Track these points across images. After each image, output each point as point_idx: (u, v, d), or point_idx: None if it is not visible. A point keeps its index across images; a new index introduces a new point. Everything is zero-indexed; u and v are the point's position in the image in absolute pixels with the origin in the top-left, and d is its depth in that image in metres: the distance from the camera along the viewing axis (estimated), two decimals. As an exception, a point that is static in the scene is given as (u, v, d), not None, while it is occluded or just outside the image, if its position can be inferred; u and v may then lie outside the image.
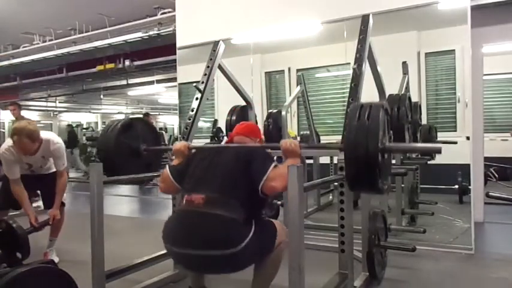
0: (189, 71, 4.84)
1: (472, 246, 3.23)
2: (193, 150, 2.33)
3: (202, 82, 3.19)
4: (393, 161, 3.70)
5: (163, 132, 17.38)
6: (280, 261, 2.00)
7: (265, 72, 5.47)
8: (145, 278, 2.55)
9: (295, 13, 3.92)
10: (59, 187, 3.14)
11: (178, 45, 4.69)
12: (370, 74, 3.10)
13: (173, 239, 1.92)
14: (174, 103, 9.58)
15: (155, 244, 3.02)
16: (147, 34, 6.59)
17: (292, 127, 5.26)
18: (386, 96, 3.27)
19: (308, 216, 4.33)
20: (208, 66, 3.29)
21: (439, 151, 1.76)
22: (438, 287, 2.67)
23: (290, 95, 4.78)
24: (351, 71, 2.64)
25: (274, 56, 5.34)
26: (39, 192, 3.61)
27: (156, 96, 14.20)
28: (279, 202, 4.05)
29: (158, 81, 9.28)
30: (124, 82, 9.60)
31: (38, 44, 8.33)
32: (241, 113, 4.06)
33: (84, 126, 16.16)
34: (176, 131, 9.03)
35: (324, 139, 5.15)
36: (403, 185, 3.90)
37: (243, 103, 4.04)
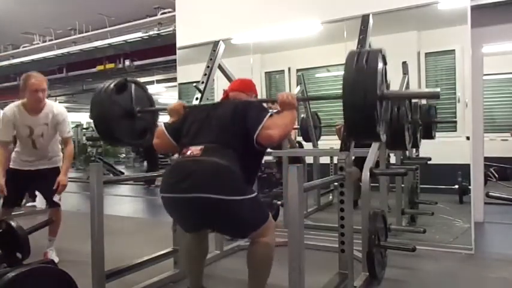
0: (189, 71, 4.84)
1: (472, 246, 3.23)
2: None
3: (202, 82, 3.19)
4: (393, 161, 3.72)
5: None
6: (270, 259, 2.00)
7: (265, 72, 5.47)
8: (145, 278, 2.54)
9: (295, 13, 3.92)
10: (66, 154, 3.17)
11: (178, 45, 4.69)
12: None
13: (169, 186, 1.90)
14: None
15: (155, 244, 3.03)
16: (147, 34, 6.60)
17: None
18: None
19: (308, 216, 4.33)
20: (208, 66, 3.29)
21: (437, 95, 1.78)
22: (438, 287, 2.67)
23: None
24: (351, 71, 2.63)
25: (274, 56, 5.34)
26: (37, 193, 3.60)
27: (156, 96, 14.20)
28: (279, 202, 4.05)
29: (158, 81, 9.27)
30: (124, 82, 9.59)
31: (38, 44, 8.35)
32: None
33: (84, 126, 16.14)
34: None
35: (324, 139, 5.15)
36: (403, 185, 3.90)
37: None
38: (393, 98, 1.97)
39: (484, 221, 4.18)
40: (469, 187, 3.71)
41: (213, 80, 3.44)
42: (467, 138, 3.52)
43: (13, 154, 3.22)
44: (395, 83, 3.69)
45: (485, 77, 4.52)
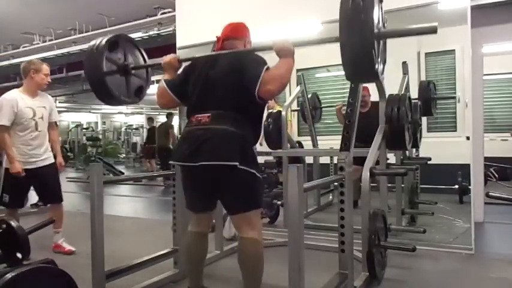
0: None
1: (472, 246, 3.23)
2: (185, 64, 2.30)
3: (203, 82, 3.18)
4: (393, 161, 3.71)
5: (171, 130, 17.41)
6: (260, 254, 2.02)
7: (266, 72, 5.45)
8: (145, 278, 2.55)
9: (295, 13, 3.92)
10: (55, 138, 3.46)
11: (178, 45, 4.69)
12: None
13: (184, 155, 1.99)
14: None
15: (155, 244, 3.03)
16: (147, 34, 6.59)
17: (292, 127, 5.26)
18: (387, 96, 3.27)
19: (308, 216, 4.33)
20: (208, 66, 3.28)
21: (434, 30, 1.77)
22: (438, 287, 2.67)
23: (290, 95, 4.78)
24: (351, 71, 2.63)
25: (274, 56, 5.32)
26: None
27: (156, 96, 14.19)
28: (279, 202, 4.05)
29: (158, 81, 9.26)
30: (124, 82, 9.58)
31: (38, 44, 8.33)
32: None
33: (84, 126, 16.16)
34: (176, 131, 9.02)
35: (324, 139, 5.15)
36: (403, 185, 3.90)
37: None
38: (390, 36, 1.96)
39: (484, 221, 4.18)
40: (469, 187, 3.71)
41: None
42: (467, 138, 3.52)
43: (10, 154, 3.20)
44: (395, 83, 3.70)
45: (485, 77, 4.52)
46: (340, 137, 2.44)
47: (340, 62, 1.74)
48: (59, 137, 3.57)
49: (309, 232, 3.53)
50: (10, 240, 2.27)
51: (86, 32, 7.49)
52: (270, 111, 4.38)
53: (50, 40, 8.10)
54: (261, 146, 4.19)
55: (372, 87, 3.23)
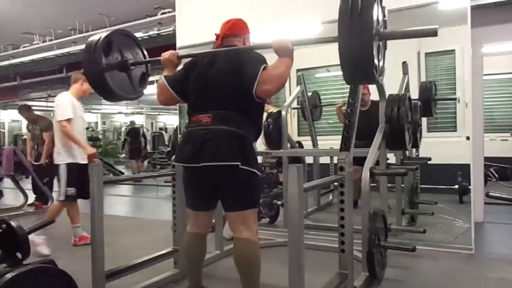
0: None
1: (472, 246, 3.23)
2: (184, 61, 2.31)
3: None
4: (393, 161, 3.72)
5: (163, 132, 17.44)
6: (257, 254, 2.02)
7: (265, 72, 5.45)
8: (145, 278, 2.55)
9: (295, 13, 3.92)
10: None
11: (178, 45, 4.69)
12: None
13: (186, 156, 2.02)
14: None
15: (155, 244, 3.03)
16: (147, 34, 6.59)
17: (292, 127, 5.25)
18: (387, 96, 3.28)
19: (308, 216, 4.32)
20: (208, 66, 3.28)
21: (435, 32, 1.74)
22: (438, 287, 2.67)
23: (290, 95, 4.78)
24: (351, 71, 2.63)
25: (274, 56, 5.32)
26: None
27: (156, 96, 14.19)
28: (279, 202, 4.05)
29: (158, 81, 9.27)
30: (124, 82, 9.59)
31: (38, 44, 8.34)
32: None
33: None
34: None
35: (324, 139, 5.15)
36: (403, 185, 3.90)
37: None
38: (390, 37, 1.93)
39: (484, 221, 4.18)
40: (469, 187, 3.71)
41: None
42: (467, 138, 3.52)
43: (66, 150, 3.52)
44: (395, 83, 3.70)
45: (485, 77, 4.52)
46: (340, 136, 2.44)
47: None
48: None
49: (309, 232, 3.53)
50: (10, 240, 2.27)
51: (86, 32, 7.49)
52: (269, 111, 4.37)
53: (50, 40, 8.10)
54: (265, 147, 4.20)
55: (372, 86, 3.23)
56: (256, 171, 2.01)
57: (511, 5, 4.08)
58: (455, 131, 4.42)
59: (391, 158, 3.64)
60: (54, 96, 13.41)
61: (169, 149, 11.17)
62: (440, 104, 4.42)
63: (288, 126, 4.19)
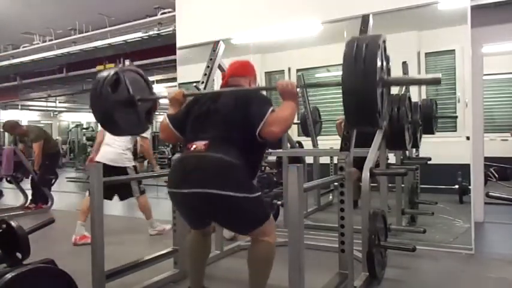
0: (189, 71, 4.84)
1: (472, 246, 3.23)
2: (189, 99, 2.30)
3: (202, 82, 3.19)
4: (393, 161, 3.72)
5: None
6: (271, 257, 2.00)
7: (265, 72, 5.47)
8: (145, 278, 2.54)
9: (295, 13, 3.92)
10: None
11: (178, 45, 4.69)
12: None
13: (175, 182, 1.96)
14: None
15: (155, 244, 3.04)
16: (147, 34, 6.60)
17: (292, 127, 5.25)
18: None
19: (308, 216, 4.32)
20: (208, 66, 3.29)
21: (438, 81, 1.74)
22: (438, 287, 2.67)
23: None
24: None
25: (274, 56, 5.34)
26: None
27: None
28: (279, 202, 4.05)
29: (158, 81, 9.27)
30: (124, 82, 9.59)
31: (38, 44, 8.34)
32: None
33: (84, 126, 16.14)
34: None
35: (324, 139, 5.15)
36: (403, 185, 3.90)
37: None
38: (394, 84, 1.92)
39: (484, 221, 4.18)
40: (469, 187, 3.71)
41: (213, 80, 3.43)
42: (467, 138, 3.52)
43: (130, 156, 4.31)
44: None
45: (485, 77, 4.52)
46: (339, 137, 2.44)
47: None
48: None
49: (309, 232, 3.53)
50: (10, 240, 2.27)
51: (86, 32, 7.50)
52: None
53: (50, 40, 8.11)
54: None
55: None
56: (248, 194, 1.87)
57: (511, 5, 4.08)
58: (455, 131, 4.42)
59: (391, 158, 3.64)
60: (54, 96, 13.43)
61: (169, 148, 11.20)
62: (440, 104, 4.42)
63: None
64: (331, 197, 5.09)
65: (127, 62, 7.70)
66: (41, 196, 5.62)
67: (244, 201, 1.86)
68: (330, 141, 4.66)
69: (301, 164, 2.69)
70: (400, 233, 3.51)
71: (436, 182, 4.45)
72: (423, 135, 3.76)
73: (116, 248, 3.15)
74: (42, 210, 5.50)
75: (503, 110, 7.64)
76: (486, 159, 4.51)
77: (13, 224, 2.37)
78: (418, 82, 1.93)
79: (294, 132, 5.29)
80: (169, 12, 6.30)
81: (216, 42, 3.42)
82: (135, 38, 6.88)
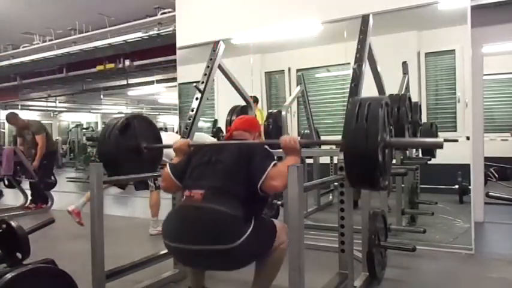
0: (189, 71, 4.84)
1: (472, 246, 3.23)
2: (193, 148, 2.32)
3: (202, 82, 3.18)
4: (393, 161, 3.72)
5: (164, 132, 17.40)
6: (281, 262, 1.99)
7: (265, 72, 5.47)
8: (145, 278, 2.55)
9: (295, 13, 3.92)
10: None
11: (178, 45, 4.69)
12: (370, 74, 3.09)
13: (171, 234, 1.92)
14: (174, 103, 9.58)
15: (155, 244, 3.04)
16: (147, 34, 6.60)
17: (292, 127, 5.26)
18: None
19: (308, 216, 4.32)
20: (208, 66, 3.28)
21: (440, 145, 1.75)
22: (438, 287, 2.67)
23: (290, 95, 4.78)
24: (351, 71, 2.64)
25: (274, 56, 5.34)
26: None
27: (156, 96, 14.21)
28: (279, 202, 4.05)
29: (158, 81, 9.28)
30: (124, 82, 9.61)
31: (38, 44, 8.34)
32: (241, 113, 4.05)
33: (84, 126, 16.14)
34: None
35: (324, 139, 5.14)
36: (403, 185, 3.90)
37: (243, 103, 4.04)
38: (395, 147, 1.93)
39: (484, 221, 4.18)
40: (469, 187, 3.71)
41: (213, 80, 3.43)
42: (467, 138, 3.52)
43: None
44: (395, 83, 3.70)
45: (485, 77, 4.52)
46: (340, 137, 2.44)
47: (340, 62, 1.74)
48: None
49: (309, 232, 3.53)
50: (10, 240, 2.27)
51: (86, 32, 7.50)
52: (270, 111, 4.38)
53: (50, 40, 8.11)
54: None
55: (371, 86, 3.23)
56: (249, 230, 1.81)
57: (511, 5, 4.08)
58: (456, 131, 4.42)
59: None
60: (54, 96, 13.44)
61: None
62: (440, 104, 4.43)
63: (287, 126, 4.20)
64: (331, 197, 5.09)
65: (127, 62, 7.70)
66: (40, 196, 5.62)
67: (243, 246, 1.79)
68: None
69: (301, 164, 2.69)
70: (400, 233, 3.51)
71: (436, 182, 4.45)
72: (424, 156, 3.75)
73: (115, 248, 3.15)
74: (42, 210, 5.49)
75: (503, 110, 7.64)
76: (486, 159, 4.51)
77: (13, 224, 2.37)
78: (421, 145, 1.94)
79: (294, 132, 5.29)
80: (169, 12, 6.30)
81: (216, 42, 3.42)
82: (135, 38, 6.88)
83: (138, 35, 6.75)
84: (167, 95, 13.50)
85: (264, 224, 1.99)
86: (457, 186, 4.30)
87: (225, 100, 5.01)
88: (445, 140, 1.76)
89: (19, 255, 2.31)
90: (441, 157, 4.12)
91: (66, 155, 14.72)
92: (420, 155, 4.24)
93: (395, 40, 4.32)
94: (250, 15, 4.17)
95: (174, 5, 5.01)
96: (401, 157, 3.78)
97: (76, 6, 6.85)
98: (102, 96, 13.43)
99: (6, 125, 15.35)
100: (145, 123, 2.69)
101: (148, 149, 2.57)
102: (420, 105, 4.01)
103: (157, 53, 7.19)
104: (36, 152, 5.47)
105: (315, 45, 4.75)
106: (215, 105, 5.50)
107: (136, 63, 7.75)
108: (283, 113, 4.12)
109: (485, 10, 4.02)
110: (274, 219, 2.15)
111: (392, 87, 3.46)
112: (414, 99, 3.75)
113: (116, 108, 17.92)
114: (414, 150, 4.15)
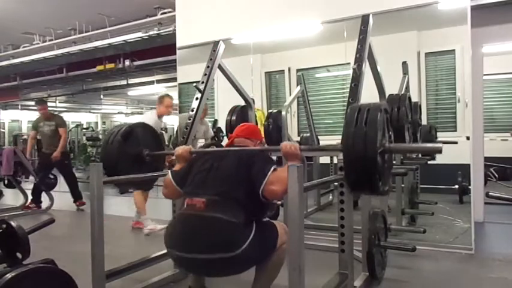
0: (189, 71, 4.84)
1: (472, 246, 3.23)
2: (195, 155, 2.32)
3: (202, 82, 3.19)
4: (393, 161, 3.72)
5: (164, 132, 17.42)
6: (282, 262, 1.99)
7: (265, 72, 5.47)
8: (145, 278, 2.55)
9: (295, 13, 3.92)
10: None
11: (178, 45, 4.69)
12: (370, 74, 3.10)
13: (175, 243, 1.93)
14: (174, 103, 9.56)
15: (155, 244, 3.03)
16: (147, 34, 6.59)
17: (292, 127, 5.26)
18: (386, 96, 3.27)
19: (308, 216, 4.33)
20: (208, 66, 3.29)
21: (439, 151, 1.75)
22: (438, 287, 2.67)
23: (290, 95, 4.78)
24: (351, 71, 2.64)
25: (274, 56, 5.34)
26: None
27: (156, 96, 14.20)
28: (279, 202, 4.04)
29: (158, 81, 9.27)
30: (124, 82, 9.60)
31: (38, 44, 8.33)
32: (241, 113, 4.06)
33: (84, 126, 16.14)
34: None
35: (324, 139, 5.14)
36: (403, 185, 3.90)
37: (243, 103, 4.04)
38: (395, 152, 1.93)
39: (484, 221, 4.18)
40: (469, 187, 3.71)
41: (213, 80, 3.44)
42: (467, 138, 3.52)
43: None
44: (395, 83, 3.70)
45: (485, 77, 4.51)
46: (340, 137, 2.44)
47: (340, 62, 1.74)
48: None
49: (309, 232, 3.53)
50: (10, 240, 2.27)
51: (86, 32, 7.48)
52: (270, 111, 4.38)
53: (50, 40, 8.09)
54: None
55: (371, 86, 3.23)
56: (251, 235, 1.83)
57: (511, 5, 4.08)
58: (456, 131, 4.42)
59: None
60: (54, 96, 13.46)
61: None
62: (440, 104, 4.42)
63: (287, 126, 4.20)
64: (331, 197, 5.09)
65: (127, 62, 7.70)
66: (36, 197, 5.63)
67: (247, 251, 1.81)
68: (330, 142, 4.65)
69: (301, 164, 2.69)
70: (400, 233, 3.51)
71: (436, 182, 4.45)
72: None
73: (115, 248, 3.15)
74: (42, 210, 5.50)
75: (503, 110, 7.63)
76: (486, 159, 4.51)
77: (13, 224, 2.37)
78: (420, 150, 1.95)
79: (294, 132, 5.29)
80: (169, 12, 6.29)
81: (216, 42, 3.42)
82: (135, 38, 6.87)
83: (138, 35, 6.74)
84: (167, 95, 13.47)
85: (265, 229, 1.99)
86: (457, 186, 4.30)
87: (225, 100, 5.01)
88: (444, 143, 1.76)
89: (19, 255, 2.31)
90: (441, 157, 4.09)
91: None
92: (420, 155, 4.24)
93: (395, 40, 4.32)
94: (250, 15, 4.17)
95: (174, 5, 5.00)
96: (401, 157, 3.78)
97: (76, 6, 6.83)
98: (102, 96, 13.40)
99: (6, 125, 15.35)
100: (148, 132, 2.73)
101: (150, 156, 2.60)
102: (420, 105, 4.01)
103: (157, 53, 7.18)
104: (51, 144, 5.56)
105: (315, 45, 4.75)
106: (215, 105, 5.50)
107: (136, 63, 7.74)
108: (283, 113, 4.12)
109: (485, 10, 4.01)
110: (275, 221, 2.14)
111: (392, 87, 3.46)
112: (414, 99, 3.75)
113: (116, 108, 17.91)
114: (414, 150, 4.15)
